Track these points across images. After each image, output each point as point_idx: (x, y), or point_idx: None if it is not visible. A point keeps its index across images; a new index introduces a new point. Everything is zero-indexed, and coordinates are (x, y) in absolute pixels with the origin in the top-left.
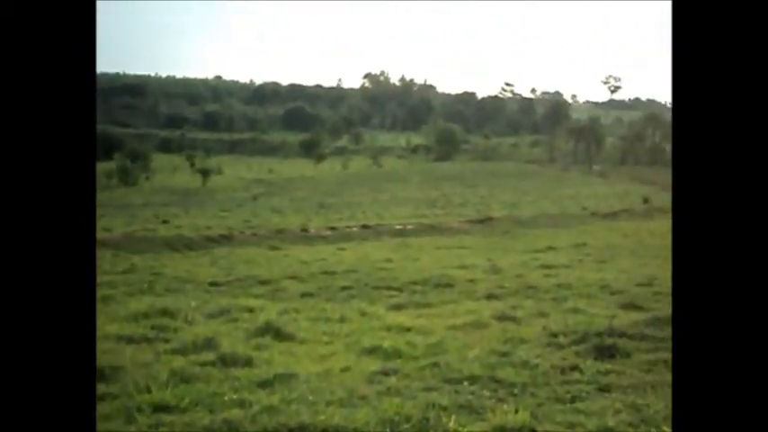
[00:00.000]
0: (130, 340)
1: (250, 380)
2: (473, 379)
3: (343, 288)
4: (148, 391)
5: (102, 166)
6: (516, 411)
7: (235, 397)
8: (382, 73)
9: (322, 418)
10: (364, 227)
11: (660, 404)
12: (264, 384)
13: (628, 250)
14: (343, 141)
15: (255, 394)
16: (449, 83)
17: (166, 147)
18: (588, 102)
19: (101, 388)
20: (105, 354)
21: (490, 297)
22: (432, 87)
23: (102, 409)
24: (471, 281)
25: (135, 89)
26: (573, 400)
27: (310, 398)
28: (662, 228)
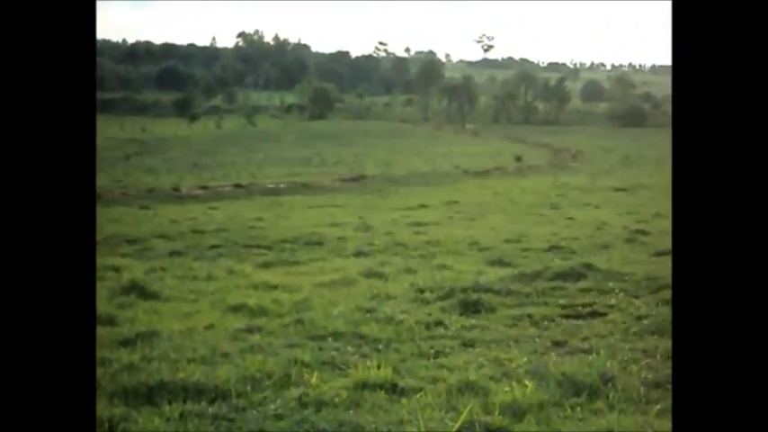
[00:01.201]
0: None
1: (112, 339)
2: (337, 335)
3: (212, 247)
4: None
5: None
6: (379, 367)
7: (95, 355)
8: (256, 32)
9: (182, 375)
10: (237, 186)
11: (522, 358)
12: (126, 343)
13: (498, 208)
14: (217, 101)
15: (116, 353)
16: (323, 42)
17: None
18: (462, 61)
19: None
20: None
21: (359, 254)
22: (306, 47)
23: None
24: (341, 239)
25: None
26: (437, 354)
27: (172, 356)
28: (533, 185)
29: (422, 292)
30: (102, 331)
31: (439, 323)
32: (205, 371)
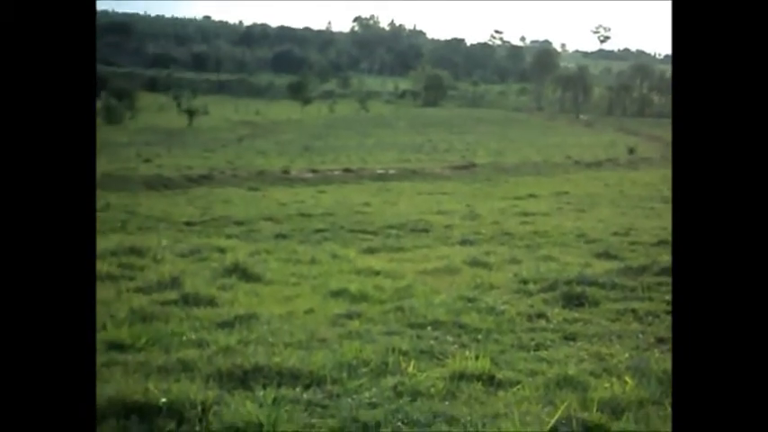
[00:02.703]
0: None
1: (211, 320)
2: (437, 324)
3: (318, 231)
4: (104, 328)
5: None
6: (477, 357)
7: (193, 337)
8: (372, 17)
9: (278, 360)
10: (346, 170)
11: (624, 354)
12: (225, 325)
13: (608, 200)
14: (331, 85)
15: (214, 335)
16: (438, 29)
17: (153, 86)
18: (577, 51)
19: None
20: None
21: (465, 243)
22: (421, 33)
23: None
24: (448, 226)
25: (123, 27)
26: (537, 347)
27: (269, 339)
28: (644, 178)
29: (525, 283)
30: (202, 312)
31: (541, 315)
32: (301, 356)
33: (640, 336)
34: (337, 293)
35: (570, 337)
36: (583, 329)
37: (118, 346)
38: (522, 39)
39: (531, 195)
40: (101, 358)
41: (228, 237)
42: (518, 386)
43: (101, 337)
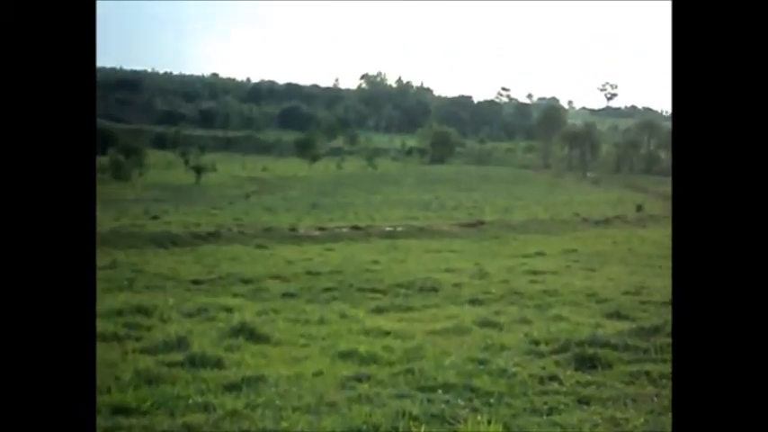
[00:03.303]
0: (101, 338)
1: (218, 382)
2: (448, 387)
3: (327, 289)
4: (108, 391)
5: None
6: (489, 422)
7: (200, 400)
8: (379, 74)
9: (285, 425)
10: (354, 228)
11: (640, 418)
12: (232, 387)
13: (618, 258)
14: (339, 142)
15: (221, 398)
16: (446, 86)
17: (161, 143)
18: (584, 108)
19: None
20: None
21: (474, 302)
22: (428, 90)
23: None
24: (457, 285)
25: (131, 84)
26: (550, 411)
27: (277, 402)
28: (654, 236)
29: (537, 344)
30: (208, 374)
31: (553, 378)
32: (310, 420)
33: (655, 399)
34: (346, 355)
35: (584, 401)
36: (596, 393)
37: (122, 410)
38: (530, 96)
39: (540, 253)
40: (105, 423)
41: (236, 295)
42: None
43: (105, 400)
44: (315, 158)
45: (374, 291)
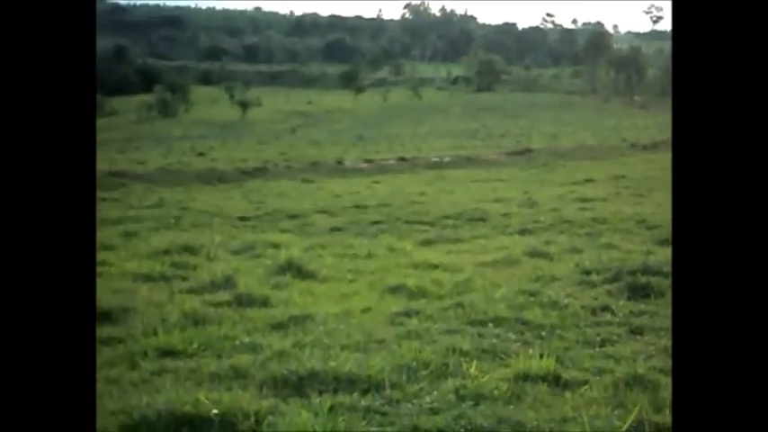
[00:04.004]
0: (147, 278)
1: (265, 322)
2: (499, 321)
3: (374, 222)
4: (155, 334)
5: (141, 99)
6: (541, 356)
7: (246, 340)
8: (422, 3)
9: (334, 364)
10: (401, 159)
11: None
12: (279, 327)
13: (666, 183)
14: (383, 73)
15: (268, 338)
16: (489, 13)
17: (206, 79)
18: (630, 32)
19: (108, 331)
20: (118, 293)
21: (524, 232)
22: (472, 18)
23: (105, 354)
24: (505, 215)
25: (175, 21)
26: (602, 343)
27: (325, 341)
28: None
29: (588, 273)
30: (255, 314)
31: (605, 308)
32: (358, 359)
33: None
34: (395, 289)
35: (637, 331)
36: (649, 322)
37: (169, 353)
38: (574, 21)
39: (588, 180)
40: (152, 366)
41: (283, 231)
42: (585, 387)
43: (152, 342)
44: (360, 90)
45: (422, 223)
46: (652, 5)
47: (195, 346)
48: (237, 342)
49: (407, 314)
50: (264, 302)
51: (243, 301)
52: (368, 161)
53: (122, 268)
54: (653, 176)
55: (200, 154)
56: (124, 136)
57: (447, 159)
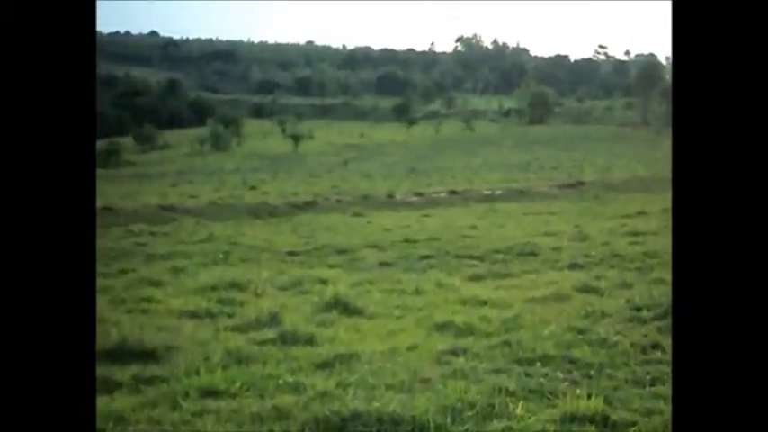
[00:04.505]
0: (193, 315)
1: (309, 360)
2: (546, 359)
3: (423, 257)
4: (197, 373)
5: (194, 132)
6: (589, 396)
7: (290, 380)
8: (475, 36)
9: (377, 405)
10: (452, 192)
11: None
12: (324, 365)
13: None
14: (436, 105)
15: (312, 377)
16: (542, 46)
17: (258, 112)
18: None
19: (151, 370)
20: (163, 331)
21: (574, 266)
22: (524, 50)
23: (148, 393)
24: (556, 249)
25: (227, 55)
26: (653, 382)
27: (370, 380)
28: None
29: (638, 309)
30: (300, 352)
31: (656, 346)
32: (403, 399)
33: None
34: (442, 326)
35: None
36: None
37: (211, 393)
38: (627, 53)
39: (641, 213)
40: (193, 406)
41: (331, 266)
42: (634, 428)
43: (194, 382)
44: (412, 123)
45: (471, 257)
46: None
47: (238, 385)
48: (281, 381)
49: (454, 352)
50: (310, 340)
51: (288, 339)
52: (419, 194)
53: (169, 305)
54: None
55: (252, 188)
56: (176, 170)
57: (498, 192)
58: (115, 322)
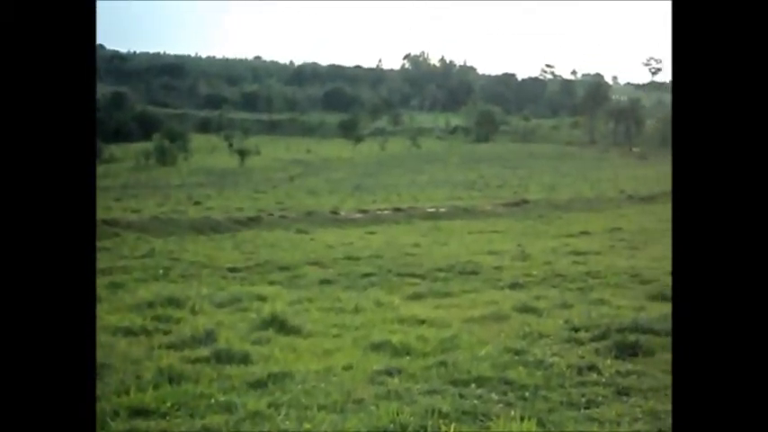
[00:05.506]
0: (128, 332)
1: (243, 379)
2: (482, 380)
3: (365, 275)
4: (127, 392)
5: (140, 146)
6: (522, 419)
7: (222, 399)
8: (422, 54)
9: (308, 426)
10: (396, 210)
11: None
12: (257, 385)
13: (663, 235)
14: (383, 122)
15: (245, 397)
16: (489, 64)
17: (205, 127)
18: (629, 84)
19: None
20: (97, 348)
21: (515, 286)
22: (472, 68)
23: None
24: (498, 268)
25: (175, 69)
26: (588, 404)
27: (303, 401)
28: None
29: (576, 330)
30: (234, 371)
31: (592, 367)
32: (335, 420)
33: None
34: (379, 346)
35: (623, 392)
36: (636, 383)
37: (141, 412)
38: (574, 72)
39: (584, 233)
40: (122, 426)
41: (272, 283)
42: None
43: (124, 401)
44: (359, 139)
45: (413, 275)
46: (651, 57)
47: (168, 404)
48: (213, 401)
49: (389, 372)
50: (244, 359)
51: (222, 357)
52: (363, 211)
53: (105, 321)
54: (649, 228)
55: (197, 203)
56: (121, 184)
57: (443, 210)
58: None
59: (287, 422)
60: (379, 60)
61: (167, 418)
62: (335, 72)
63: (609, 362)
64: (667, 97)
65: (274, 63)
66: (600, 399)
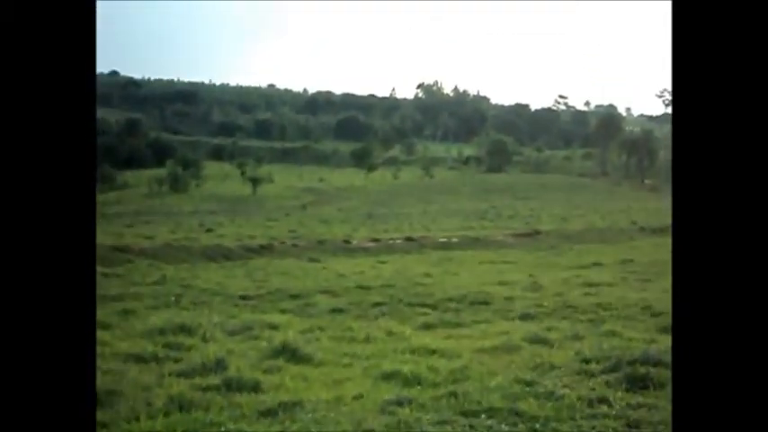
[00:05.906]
0: (139, 359)
1: (253, 408)
2: (492, 411)
3: (376, 304)
4: (138, 419)
5: (153, 173)
6: None
7: (232, 428)
8: (436, 83)
9: None
10: (408, 239)
11: None
12: (268, 413)
13: None
14: (395, 151)
15: (255, 425)
16: (502, 94)
17: (218, 154)
18: (642, 115)
19: None
20: (107, 375)
21: (526, 317)
22: (485, 98)
23: None
24: (509, 298)
25: (188, 96)
26: None
27: (312, 429)
28: None
29: (587, 362)
30: (244, 399)
31: (602, 400)
32: None
33: None
34: (389, 376)
35: (634, 425)
36: (647, 416)
37: None
38: (587, 103)
39: (596, 264)
40: None
41: (283, 312)
42: None
43: (133, 428)
44: (371, 168)
45: (424, 305)
46: (665, 89)
47: None
48: (223, 429)
49: (399, 403)
50: (255, 387)
51: (233, 386)
52: (375, 240)
53: (116, 348)
54: (661, 260)
55: (209, 230)
56: (133, 210)
57: (455, 240)
58: None
59: None
60: (393, 89)
61: None
62: (349, 101)
63: (620, 394)
64: None
65: (288, 91)
66: (609, 431)
